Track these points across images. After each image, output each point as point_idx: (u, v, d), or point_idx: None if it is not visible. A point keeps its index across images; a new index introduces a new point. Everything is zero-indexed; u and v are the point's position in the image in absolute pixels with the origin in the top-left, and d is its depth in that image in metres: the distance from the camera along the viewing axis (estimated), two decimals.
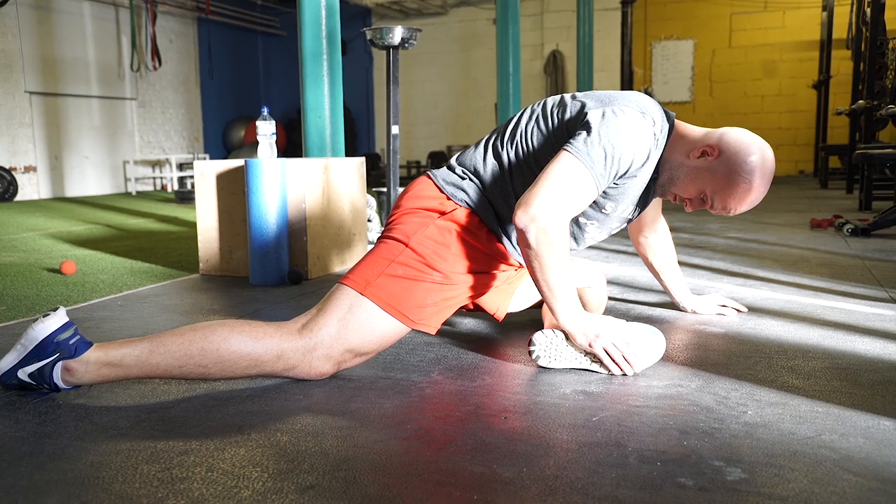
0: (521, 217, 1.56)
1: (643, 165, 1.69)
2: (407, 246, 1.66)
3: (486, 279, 1.77)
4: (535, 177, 1.65)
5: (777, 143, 11.43)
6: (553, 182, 1.58)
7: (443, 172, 1.81)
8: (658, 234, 2.18)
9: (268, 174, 2.85)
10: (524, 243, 1.58)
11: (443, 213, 1.71)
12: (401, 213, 1.75)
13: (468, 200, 1.74)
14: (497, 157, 1.77)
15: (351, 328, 1.59)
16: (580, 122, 1.66)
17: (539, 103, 1.82)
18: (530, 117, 1.78)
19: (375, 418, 1.41)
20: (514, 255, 1.78)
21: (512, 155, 1.75)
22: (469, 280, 1.72)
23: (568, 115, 1.72)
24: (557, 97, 1.81)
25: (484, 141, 1.84)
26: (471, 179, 1.77)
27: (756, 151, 1.67)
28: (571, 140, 1.63)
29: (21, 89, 9.48)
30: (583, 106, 1.70)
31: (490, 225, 1.74)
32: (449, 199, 1.74)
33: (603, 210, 1.78)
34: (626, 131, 1.62)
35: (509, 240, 1.76)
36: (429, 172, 1.83)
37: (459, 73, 13.41)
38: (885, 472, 1.14)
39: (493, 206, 1.75)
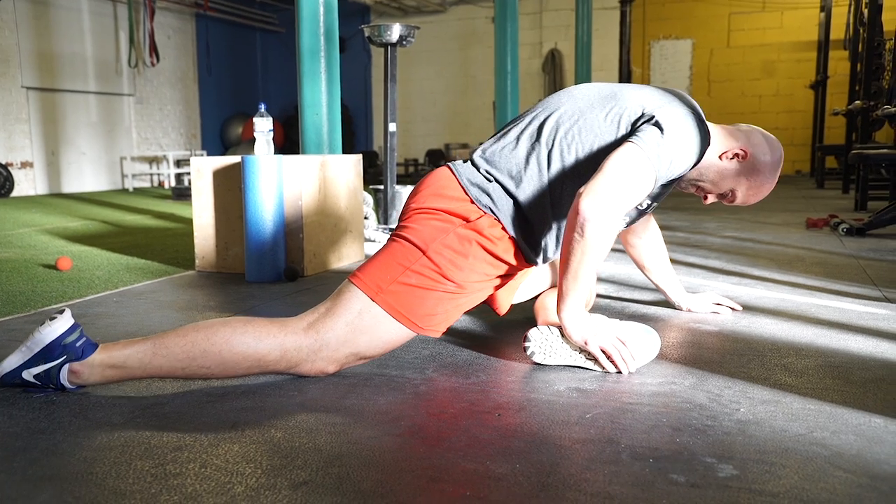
0: (587, 205, 1.52)
1: (689, 169, 1.74)
2: (424, 254, 1.61)
3: (497, 283, 1.75)
4: (578, 179, 1.64)
5: None
6: (621, 176, 1.56)
7: (467, 170, 1.73)
8: (648, 235, 2.18)
9: (264, 171, 2.85)
10: (578, 228, 1.53)
11: (466, 220, 1.65)
12: (421, 212, 1.68)
13: (492, 207, 1.67)
14: (535, 157, 1.70)
15: (359, 333, 1.58)
16: (645, 119, 1.66)
17: (575, 97, 1.76)
18: (571, 113, 1.71)
19: (369, 415, 1.41)
20: (533, 259, 1.75)
21: (555, 156, 1.68)
22: (481, 287, 1.70)
23: (627, 114, 1.68)
24: (594, 89, 1.77)
25: (510, 136, 1.75)
26: (497, 181, 1.69)
27: (776, 151, 1.83)
28: (640, 135, 1.61)
29: (18, 84, 9.47)
30: (642, 102, 1.69)
31: (512, 232, 1.68)
32: (472, 202, 1.67)
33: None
34: (690, 138, 1.66)
35: (530, 247, 1.72)
36: (451, 166, 1.75)
37: (458, 72, 13.41)
38: (875, 469, 1.15)
39: (521, 211, 1.68)
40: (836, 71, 10.14)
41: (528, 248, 1.71)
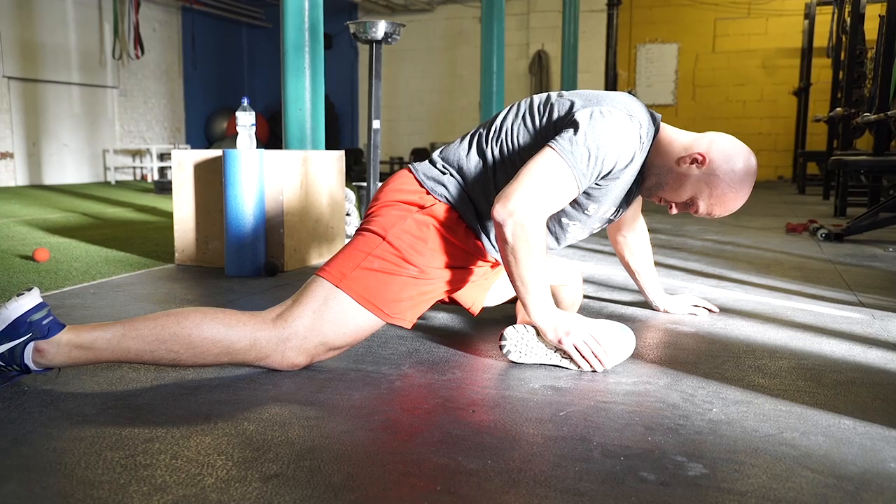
0: (500, 211, 1.57)
1: (626, 167, 1.70)
2: (384, 239, 1.66)
3: (462, 274, 1.77)
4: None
5: (757, 148, 11.52)
6: (534, 178, 1.59)
7: (423, 166, 1.81)
8: (636, 234, 2.20)
9: (246, 165, 2.84)
10: (501, 237, 1.59)
11: (421, 207, 1.71)
12: (380, 206, 1.75)
13: (447, 196, 1.73)
14: (481, 153, 1.77)
15: (325, 320, 1.59)
16: (567, 121, 1.67)
17: (525, 101, 1.82)
18: (516, 114, 1.79)
19: (343, 409, 1.41)
20: (492, 251, 1.79)
21: (496, 151, 1.75)
22: (445, 275, 1.72)
23: (556, 114, 1.72)
24: (544, 95, 1.81)
25: (468, 136, 1.84)
26: (451, 174, 1.76)
27: (743, 161, 1.73)
28: (557, 137, 1.63)
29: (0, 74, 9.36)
30: (571, 105, 1.71)
31: (468, 221, 1.74)
32: (428, 193, 1.74)
33: (586, 211, 1.79)
34: (611, 132, 1.63)
35: (487, 237, 1.77)
36: (409, 166, 1.82)
37: (444, 71, 13.41)
38: (842, 469, 1.16)
39: (473, 202, 1.75)
40: (819, 78, 10.24)
41: (485, 237, 1.76)
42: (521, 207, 1.56)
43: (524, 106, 1.80)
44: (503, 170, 1.73)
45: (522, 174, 1.61)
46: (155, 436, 1.26)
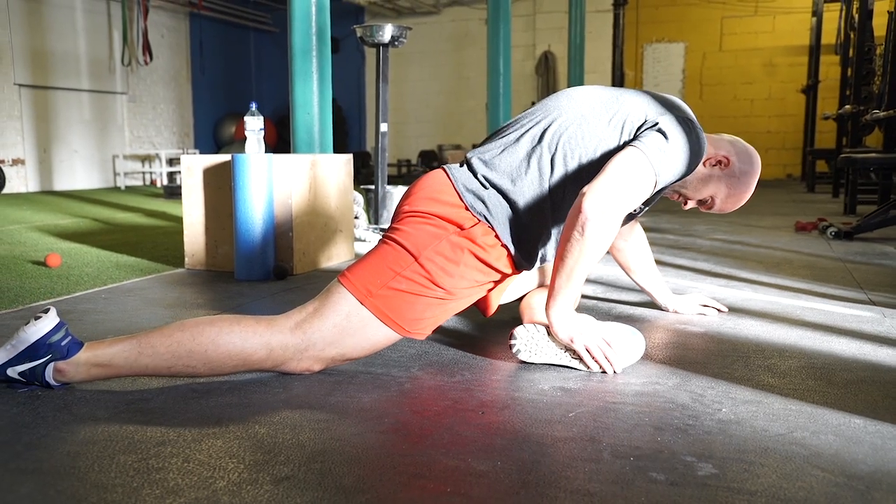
0: (590, 204, 1.52)
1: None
2: (416, 260, 1.60)
3: (486, 288, 1.75)
4: (579, 183, 1.64)
5: (766, 146, 11.49)
6: (624, 179, 1.57)
7: (463, 175, 1.71)
8: (634, 238, 2.19)
9: (254, 169, 2.86)
10: (578, 227, 1.54)
11: (460, 228, 1.64)
12: (414, 215, 1.67)
13: (487, 215, 1.66)
14: (536, 162, 1.69)
15: (346, 335, 1.58)
16: (648, 124, 1.67)
17: (575, 101, 1.75)
18: (572, 118, 1.71)
19: (353, 412, 1.42)
20: (525, 266, 1.75)
21: (558, 161, 1.69)
22: (470, 293, 1.70)
23: (630, 120, 1.70)
24: (594, 93, 1.77)
25: (515, 141, 1.73)
26: (495, 188, 1.69)
27: (755, 162, 1.88)
28: (643, 139, 1.63)
29: (10, 81, 9.43)
30: (645, 109, 1.71)
31: (505, 240, 1.68)
32: (467, 208, 1.66)
33: None
34: (691, 147, 1.67)
35: (522, 255, 1.71)
36: (446, 169, 1.74)
37: (451, 73, 13.42)
38: (852, 469, 1.16)
39: (517, 217, 1.68)
40: (827, 75, 10.19)
41: (520, 256, 1.71)
42: (610, 206, 1.54)
43: (577, 107, 1.73)
44: (562, 181, 1.68)
45: (612, 172, 1.57)
46: (167, 439, 1.28)
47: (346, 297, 1.59)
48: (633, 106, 1.72)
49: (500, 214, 1.67)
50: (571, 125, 1.71)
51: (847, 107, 6.24)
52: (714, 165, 1.83)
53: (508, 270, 1.73)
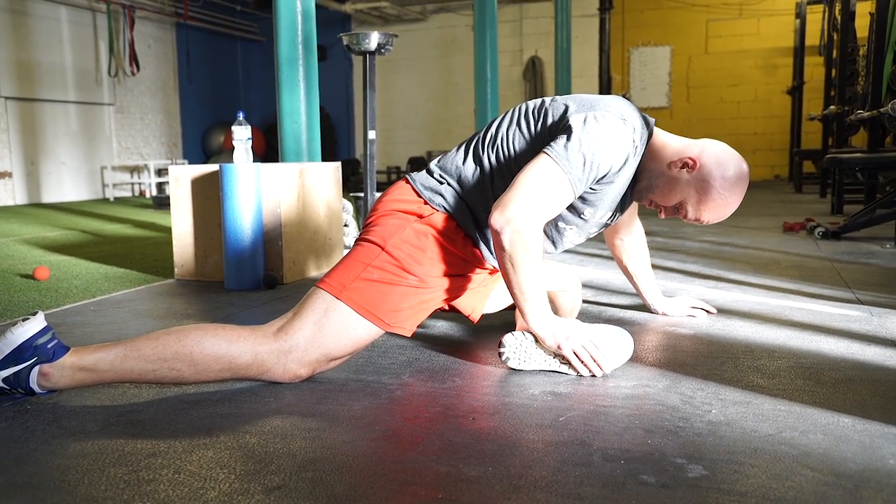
0: (497, 219, 1.58)
1: (620, 171, 1.72)
2: (383, 249, 1.66)
3: (461, 282, 1.78)
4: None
5: (753, 148, 11.56)
6: (530, 185, 1.60)
7: (421, 176, 1.81)
8: (633, 237, 2.21)
9: (243, 179, 2.85)
10: (498, 245, 1.59)
11: (420, 217, 1.72)
12: (378, 216, 1.76)
13: (445, 205, 1.74)
14: (477, 161, 1.78)
15: (326, 332, 1.60)
16: (562, 126, 1.68)
17: (520, 107, 1.83)
18: (511, 121, 1.80)
19: (344, 420, 1.42)
20: (490, 259, 1.80)
21: (493, 159, 1.76)
22: (444, 283, 1.73)
23: (550, 119, 1.73)
24: (538, 100, 1.82)
25: (464, 145, 1.85)
26: (449, 184, 1.77)
27: (734, 167, 1.73)
28: (552, 143, 1.65)
29: None
30: (565, 109, 1.72)
31: (466, 229, 1.75)
32: (426, 203, 1.75)
33: (582, 216, 1.80)
34: (605, 137, 1.64)
35: (485, 244, 1.77)
36: (407, 176, 1.84)
37: (439, 79, 13.44)
38: (841, 468, 1.17)
39: (471, 211, 1.76)
40: (812, 76, 10.26)
41: (483, 245, 1.77)
42: (518, 215, 1.57)
43: (518, 112, 1.81)
44: (500, 177, 1.74)
45: (518, 181, 1.62)
46: (157, 450, 1.27)
47: (322, 295, 1.63)
48: (557, 110, 1.74)
49: (459, 205, 1.75)
50: (510, 128, 1.78)
51: (832, 107, 6.29)
52: (681, 168, 1.74)
53: (478, 262, 1.78)
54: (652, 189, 1.80)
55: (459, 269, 1.76)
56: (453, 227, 1.74)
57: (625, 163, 1.70)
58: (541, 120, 1.75)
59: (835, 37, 6.78)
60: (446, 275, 1.72)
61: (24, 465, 1.22)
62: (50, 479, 1.17)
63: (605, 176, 1.69)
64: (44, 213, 7.93)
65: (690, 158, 1.73)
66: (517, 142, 1.75)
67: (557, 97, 1.81)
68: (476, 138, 1.84)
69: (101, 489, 1.13)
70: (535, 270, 1.60)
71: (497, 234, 1.59)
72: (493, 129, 1.81)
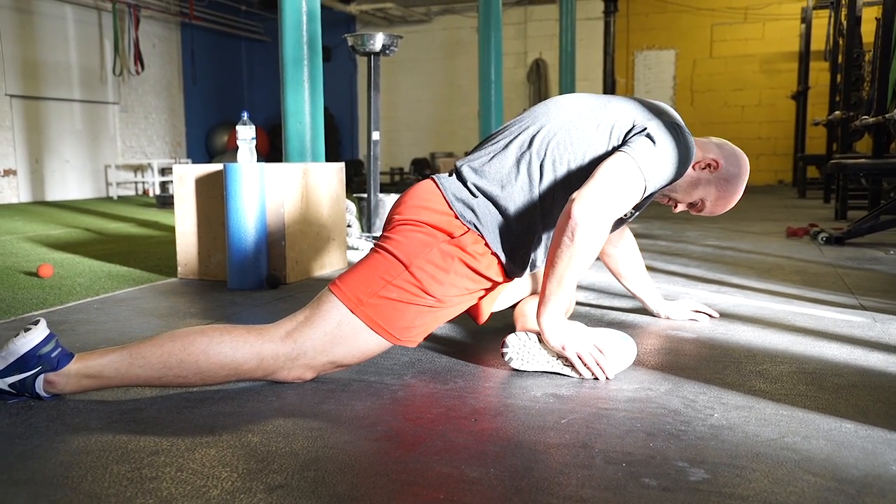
0: (580, 210, 1.53)
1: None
2: (407, 269, 1.61)
3: (477, 296, 1.76)
4: (568, 189, 1.65)
5: (757, 152, 11.55)
6: (614, 184, 1.58)
7: (452, 184, 1.72)
8: (624, 242, 2.20)
9: (246, 178, 2.86)
10: (568, 233, 1.55)
11: (450, 236, 1.65)
12: (405, 223, 1.68)
13: (476, 223, 1.67)
14: (526, 169, 1.70)
15: (336, 343, 1.59)
16: (637, 131, 1.68)
17: (564, 108, 1.76)
18: (561, 125, 1.72)
19: (346, 420, 1.42)
20: (516, 274, 1.75)
21: (547, 167, 1.69)
22: (461, 301, 1.71)
23: (619, 125, 1.71)
24: (583, 101, 1.78)
25: (503, 149, 1.74)
26: (485, 196, 1.69)
27: (744, 164, 1.88)
28: (632, 145, 1.64)
29: (1, 92, 9.40)
30: (632, 114, 1.72)
31: (495, 248, 1.68)
32: (457, 217, 1.67)
33: None
34: (680, 152, 1.68)
35: (512, 262, 1.72)
36: (436, 178, 1.74)
37: (443, 81, 13.46)
38: (843, 473, 1.17)
39: (507, 224, 1.69)
40: (817, 81, 10.27)
41: (511, 263, 1.72)
42: (599, 213, 1.54)
43: (567, 114, 1.74)
44: (551, 187, 1.69)
45: (601, 178, 1.58)
46: (160, 448, 1.28)
47: (337, 305, 1.59)
48: (622, 111, 1.73)
49: (490, 222, 1.68)
50: (560, 131, 1.72)
51: (837, 112, 6.29)
52: (703, 169, 1.84)
53: (499, 279, 1.74)
54: (675, 188, 1.86)
55: (480, 286, 1.72)
56: (481, 248, 1.67)
57: (679, 175, 1.74)
58: (606, 125, 1.71)
59: (840, 42, 6.78)
60: (465, 294, 1.70)
61: (27, 462, 1.23)
62: (53, 475, 1.17)
63: (668, 183, 1.73)
64: (48, 210, 7.95)
65: (714, 159, 1.83)
66: (576, 148, 1.70)
67: (606, 97, 1.79)
68: (511, 142, 1.74)
69: (105, 486, 1.13)
70: (585, 268, 1.60)
71: (573, 224, 1.53)
72: (538, 134, 1.72)
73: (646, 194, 1.67)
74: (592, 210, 1.54)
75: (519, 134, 1.76)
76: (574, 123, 1.73)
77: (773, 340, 2.01)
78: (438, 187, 1.72)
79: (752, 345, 1.97)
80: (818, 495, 1.09)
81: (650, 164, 1.62)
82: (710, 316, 2.27)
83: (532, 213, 1.70)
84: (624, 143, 1.68)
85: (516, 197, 1.69)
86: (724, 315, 2.31)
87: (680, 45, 11.98)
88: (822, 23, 9.69)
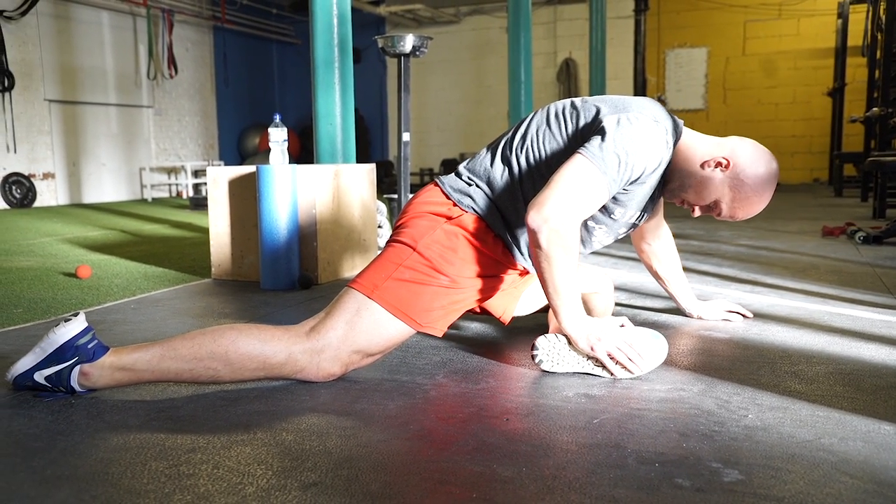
0: (534, 217, 1.58)
1: (653, 172, 1.73)
2: (415, 250, 1.68)
3: (492, 283, 1.79)
4: (545, 181, 1.67)
5: (791, 151, 11.37)
6: (567, 184, 1.60)
7: (450, 179, 1.83)
8: (661, 241, 2.19)
9: (279, 180, 2.89)
10: (535, 243, 1.60)
11: (450, 218, 1.73)
12: (408, 218, 1.78)
13: (474, 206, 1.75)
14: (506, 162, 1.79)
15: (358, 331, 1.62)
16: (595, 127, 1.69)
17: (548, 108, 1.83)
18: (540, 122, 1.80)
19: (379, 419, 1.43)
20: (520, 259, 1.80)
21: (522, 160, 1.77)
22: (476, 284, 1.74)
23: (582, 121, 1.74)
24: (567, 101, 1.83)
25: (492, 146, 1.85)
26: (478, 185, 1.78)
27: (765, 164, 1.77)
28: (586, 144, 1.65)
29: (40, 97, 9.61)
30: (597, 111, 1.73)
31: (496, 230, 1.76)
32: (455, 205, 1.76)
33: (612, 215, 1.80)
34: (640, 138, 1.65)
35: (516, 245, 1.78)
36: (436, 179, 1.85)
37: (472, 81, 13.46)
38: (882, 475, 1.15)
39: (500, 212, 1.76)
40: (853, 78, 10.07)
41: (513, 245, 1.77)
42: (555, 214, 1.57)
43: (548, 113, 1.82)
44: (530, 178, 1.75)
45: (555, 181, 1.62)
46: (197, 446, 1.30)
47: (355, 295, 1.65)
48: (588, 111, 1.75)
49: (487, 206, 1.76)
50: (539, 130, 1.79)
51: (875, 109, 6.16)
52: (714, 168, 1.77)
53: (508, 260, 1.78)
54: (684, 188, 1.82)
55: (490, 269, 1.76)
56: (483, 228, 1.75)
57: (658, 163, 1.72)
58: (572, 121, 1.76)
59: (879, 37, 6.65)
60: (478, 275, 1.73)
61: (69, 458, 1.26)
62: (94, 471, 1.20)
63: (639, 177, 1.70)
64: (85, 213, 8.11)
65: (724, 158, 1.76)
66: (548, 143, 1.76)
67: (587, 98, 1.81)
68: (503, 140, 1.84)
69: (143, 482, 1.15)
70: (571, 270, 1.60)
71: (534, 233, 1.59)
72: (521, 131, 1.82)
73: (617, 187, 1.66)
74: (546, 213, 1.57)
75: (510, 132, 1.86)
76: (549, 123, 1.79)
77: (808, 341, 1.98)
78: (438, 185, 1.82)
79: (787, 345, 1.94)
80: (856, 497, 1.08)
81: (603, 156, 1.62)
82: (743, 316, 2.24)
83: (517, 205, 1.75)
84: (583, 141, 1.69)
85: (502, 189, 1.77)
86: (758, 315, 2.28)
87: (712, 43, 11.84)
88: (859, 18, 9.50)
